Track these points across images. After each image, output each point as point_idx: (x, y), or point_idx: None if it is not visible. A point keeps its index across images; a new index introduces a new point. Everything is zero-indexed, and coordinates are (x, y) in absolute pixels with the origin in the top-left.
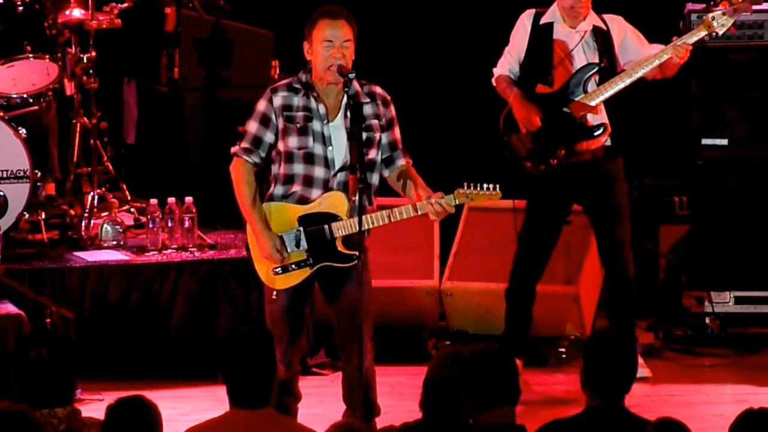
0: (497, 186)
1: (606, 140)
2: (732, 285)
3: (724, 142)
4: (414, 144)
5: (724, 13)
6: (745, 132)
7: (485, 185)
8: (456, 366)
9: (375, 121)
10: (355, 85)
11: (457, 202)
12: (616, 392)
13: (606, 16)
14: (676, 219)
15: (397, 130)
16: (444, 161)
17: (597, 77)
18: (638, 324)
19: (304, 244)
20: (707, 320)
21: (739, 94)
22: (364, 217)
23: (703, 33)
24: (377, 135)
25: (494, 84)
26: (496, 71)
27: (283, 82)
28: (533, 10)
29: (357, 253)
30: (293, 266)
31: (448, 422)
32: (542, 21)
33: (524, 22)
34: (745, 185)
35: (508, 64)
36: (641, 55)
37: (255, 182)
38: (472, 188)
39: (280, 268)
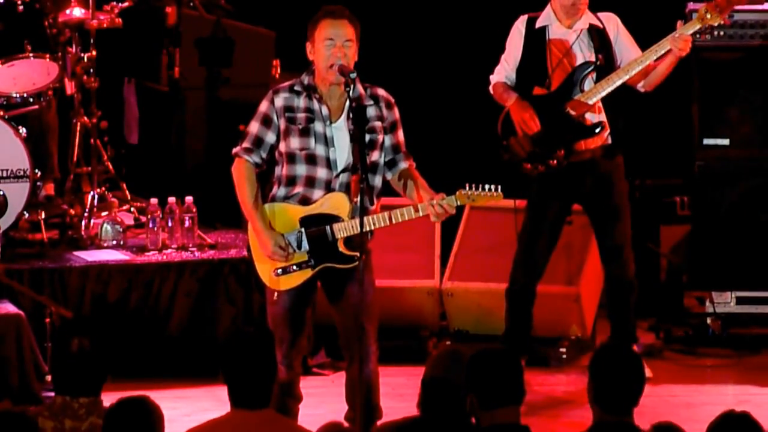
0: (499, 187)
1: (606, 139)
2: (733, 285)
3: (726, 142)
4: (416, 146)
5: (717, 6)
6: (746, 132)
7: (487, 186)
8: (455, 365)
9: (378, 123)
10: (359, 87)
11: (459, 203)
12: (626, 406)
13: (601, 15)
14: (677, 219)
15: (400, 133)
16: (445, 163)
17: (594, 75)
18: (639, 324)
19: (305, 245)
20: (708, 320)
21: (741, 94)
22: (365, 218)
23: (697, 26)
24: (380, 137)
25: (491, 91)
26: (493, 78)
27: (285, 84)
28: (526, 16)
29: (359, 254)
30: (294, 267)
31: (448, 422)
32: (537, 25)
33: (519, 28)
34: (747, 185)
35: (505, 71)
36: (632, 57)
37: (256, 181)
38: (473, 189)
39: (281, 270)
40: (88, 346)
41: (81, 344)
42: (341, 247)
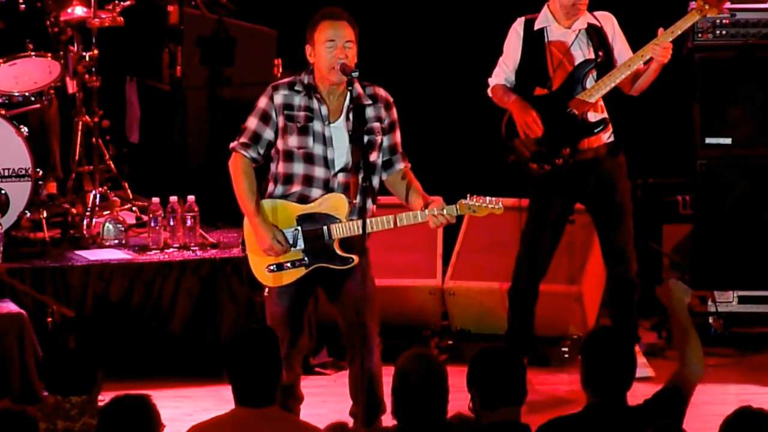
0: (500, 201)
1: (608, 138)
2: (735, 284)
3: (728, 141)
4: (416, 147)
5: None
6: (748, 131)
7: (488, 198)
8: (422, 367)
9: (377, 124)
10: (358, 87)
11: (460, 213)
12: (616, 390)
13: (597, 14)
14: (679, 218)
15: (397, 134)
16: (445, 164)
17: (594, 73)
18: (641, 323)
19: (300, 243)
20: (711, 320)
21: (743, 93)
22: (367, 220)
23: (696, 17)
24: (378, 138)
25: (490, 94)
26: (492, 81)
27: (285, 80)
28: (524, 18)
29: (354, 257)
30: (288, 265)
31: (423, 425)
32: (535, 27)
33: (517, 31)
34: (749, 184)
35: (504, 73)
36: (626, 57)
37: (254, 176)
38: (474, 200)
39: (274, 266)
40: (75, 343)
41: (68, 342)
42: (337, 248)
